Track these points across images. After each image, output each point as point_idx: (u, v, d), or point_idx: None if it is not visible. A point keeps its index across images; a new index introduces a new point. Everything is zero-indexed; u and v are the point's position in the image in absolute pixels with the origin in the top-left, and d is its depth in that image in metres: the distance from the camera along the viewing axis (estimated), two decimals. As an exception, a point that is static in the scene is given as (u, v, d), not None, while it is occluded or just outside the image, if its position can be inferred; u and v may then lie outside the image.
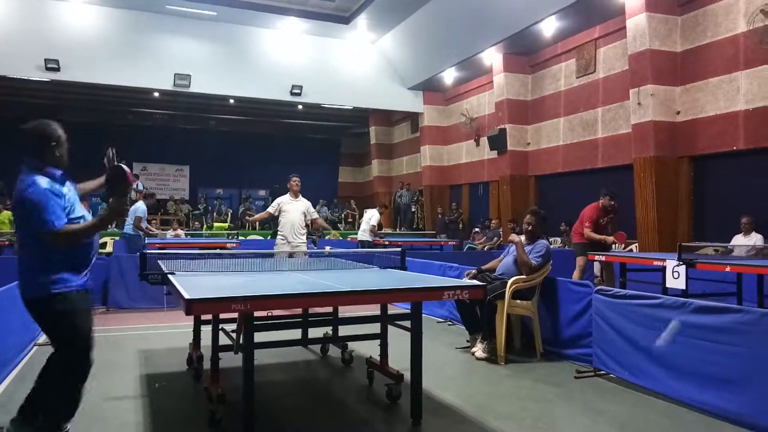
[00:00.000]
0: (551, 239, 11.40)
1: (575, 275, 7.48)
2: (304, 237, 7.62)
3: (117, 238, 12.57)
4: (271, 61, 15.73)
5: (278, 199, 7.73)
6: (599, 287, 4.65)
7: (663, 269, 5.48)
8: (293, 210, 7.54)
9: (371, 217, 11.52)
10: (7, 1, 13.24)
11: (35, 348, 5.14)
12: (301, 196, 7.72)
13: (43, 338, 5.49)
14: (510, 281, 4.95)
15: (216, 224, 17.43)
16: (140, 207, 9.39)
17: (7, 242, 10.73)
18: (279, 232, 7.61)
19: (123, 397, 3.86)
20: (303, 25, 15.26)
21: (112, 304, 7.46)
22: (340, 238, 15.52)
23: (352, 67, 16.53)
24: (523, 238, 5.34)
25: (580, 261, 7.57)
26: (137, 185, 17.32)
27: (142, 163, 20.47)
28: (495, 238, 13.05)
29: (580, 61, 12.38)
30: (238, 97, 16.66)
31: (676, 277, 5.24)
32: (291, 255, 6.68)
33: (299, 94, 15.78)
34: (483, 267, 5.55)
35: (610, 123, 11.60)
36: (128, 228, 9.41)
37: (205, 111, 19.69)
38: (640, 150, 10.02)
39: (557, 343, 5.00)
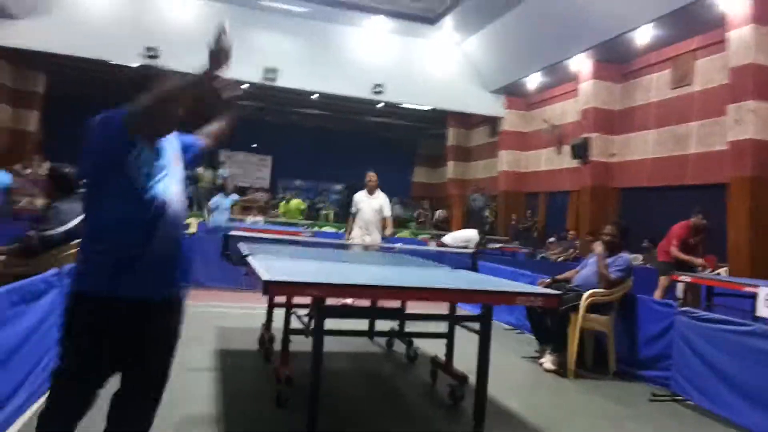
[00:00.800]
0: (632, 255, 10.90)
1: (657, 295, 7.12)
2: (378, 235, 7.31)
3: (201, 219, 13.16)
4: (355, 58, 15.98)
5: (355, 196, 7.61)
6: (684, 308, 4.40)
7: (754, 296, 5.12)
8: (367, 207, 7.35)
9: (470, 239, 10.65)
10: (115, -9, 14.19)
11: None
12: (379, 191, 7.49)
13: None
14: (586, 294, 4.78)
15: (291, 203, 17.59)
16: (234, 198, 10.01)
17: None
18: (357, 228, 7.42)
19: (198, 369, 4.05)
20: (389, 24, 15.39)
21: (193, 281, 7.82)
22: (411, 237, 15.55)
23: (434, 67, 16.50)
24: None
25: (663, 281, 7.20)
26: (223, 172, 18.12)
27: (228, 151, 21.38)
28: (571, 250, 12.63)
29: (675, 72, 11.76)
30: (322, 93, 17.03)
31: (768, 305, 4.88)
32: (364, 248, 6.68)
33: (381, 93, 15.93)
34: (558, 277, 5.40)
35: (704, 139, 10.95)
36: (222, 219, 9.85)
37: (289, 105, 20.28)
38: (737, 169, 9.40)
39: (632, 362, 4.78)
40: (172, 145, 2.17)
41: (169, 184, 2.06)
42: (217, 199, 11.53)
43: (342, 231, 16.40)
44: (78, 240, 3.79)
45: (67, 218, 3.73)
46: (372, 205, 7.35)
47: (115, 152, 1.94)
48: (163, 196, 2.00)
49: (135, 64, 14.66)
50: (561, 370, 4.70)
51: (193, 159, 2.40)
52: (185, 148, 2.32)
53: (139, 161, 1.96)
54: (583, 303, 4.73)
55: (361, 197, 7.48)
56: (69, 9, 13.83)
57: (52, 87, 17.04)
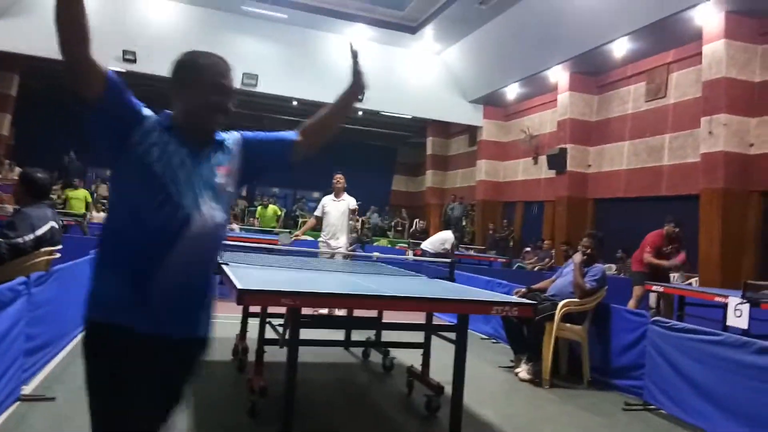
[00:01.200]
0: (606, 265, 11.05)
1: (631, 304, 7.19)
2: (345, 240, 6.95)
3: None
4: (336, 65, 15.93)
5: (323, 200, 7.28)
6: (656, 318, 4.46)
7: (724, 306, 5.21)
8: (333, 210, 7.01)
9: (446, 240, 10.98)
10: (94, -6, 13.99)
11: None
12: (346, 194, 7.13)
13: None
14: (561, 303, 4.82)
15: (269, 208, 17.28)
16: None
17: (74, 222, 11.32)
18: (322, 234, 7.10)
19: (169, 380, 3.96)
20: (370, 32, 15.44)
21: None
22: (389, 246, 15.56)
23: (414, 76, 16.59)
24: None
25: (637, 291, 7.29)
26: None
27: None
28: (546, 259, 12.76)
29: (650, 84, 12.00)
30: (302, 99, 16.99)
31: (738, 315, 4.97)
32: (332, 256, 6.46)
33: (360, 101, 15.88)
34: (533, 286, 5.43)
35: (678, 150, 11.18)
36: None
37: (268, 111, 20.18)
38: (709, 181, 9.60)
39: (606, 372, 4.83)
40: (227, 151, 1.83)
41: (207, 200, 1.67)
42: None
43: (317, 239, 16.39)
44: (48, 248, 3.71)
45: (36, 225, 3.63)
46: (339, 207, 7.02)
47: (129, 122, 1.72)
48: (191, 209, 1.63)
49: (112, 67, 14.49)
50: (536, 380, 4.72)
51: (278, 161, 2.05)
52: (260, 150, 1.97)
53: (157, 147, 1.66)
54: (558, 312, 4.76)
55: (327, 200, 7.16)
56: (43, 10, 13.58)
57: (25, 89, 16.71)
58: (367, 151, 23.03)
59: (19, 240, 3.52)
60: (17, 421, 2.97)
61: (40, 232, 3.63)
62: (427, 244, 11.21)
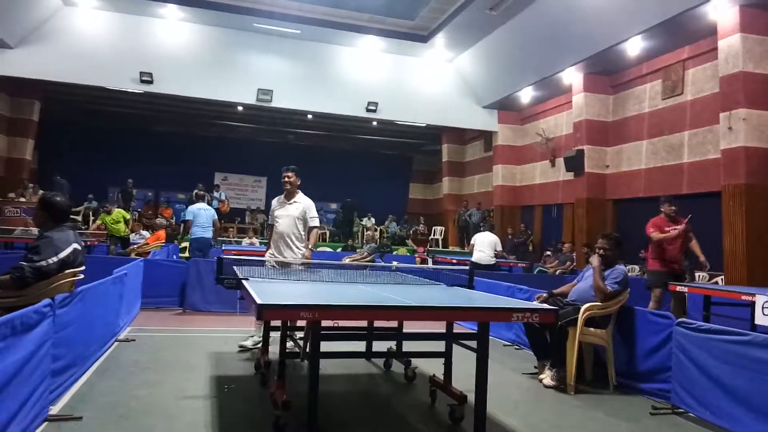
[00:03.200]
0: (629, 267, 10.89)
1: (651, 306, 7.08)
2: (296, 253, 5.60)
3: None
4: (348, 77, 16.09)
5: (272, 203, 5.91)
6: (681, 320, 4.39)
7: (752, 304, 5.11)
8: (282, 215, 5.67)
9: (496, 241, 10.78)
10: (107, 17, 14.29)
11: (116, 343, 5.44)
12: (301, 195, 5.74)
13: (124, 333, 5.81)
14: (583, 308, 4.76)
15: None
16: (213, 210, 9.75)
17: (97, 242, 11.47)
18: (272, 245, 5.73)
19: (194, 397, 4.00)
20: (381, 43, 15.53)
21: (189, 306, 7.78)
22: (408, 254, 15.55)
23: (427, 84, 16.63)
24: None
25: (656, 292, 7.16)
26: (220, 194, 18.18)
27: (223, 173, 21.39)
28: (568, 263, 12.63)
29: (666, 82, 11.87)
30: (316, 113, 17.13)
31: (766, 313, 4.87)
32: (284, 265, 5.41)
33: (374, 111, 16.02)
34: (554, 291, 5.37)
35: (698, 147, 11.02)
36: (210, 232, 9.54)
37: (284, 125, 20.37)
38: (730, 177, 9.44)
39: (632, 375, 4.75)
40: None
41: None
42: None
43: (339, 250, 16.45)
44: (72, 269, 3.78)
45: (60, 248, 3.71)
46: (290, 212, 5.66)
47: None
48: None
49: (130, 89, 14.79)
50: (561, 386, 4.66)
51: None
52: None
53: None
54: (581, 317, 4.71)
55: (276, 204, 5.81)
56: (63, 36, 13.94)
57: (47, 114, 17.11)
58: (382, 160, 23.13)
59: (43, 263, 3.59)
60: (46, 441, 3.02)
61: (63, 254, 3.70)
62: (481, 254, 10.71)
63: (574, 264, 12.41)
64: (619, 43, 11.41)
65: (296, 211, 5.65)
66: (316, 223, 5.67)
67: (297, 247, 5.63)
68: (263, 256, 5.82)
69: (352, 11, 13.97)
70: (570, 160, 13.78)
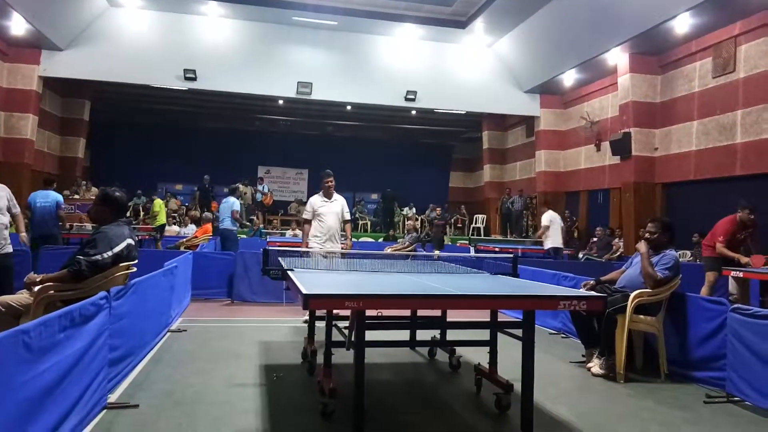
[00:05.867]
0: (680, 252, 10.56)
1: (704, 291, 6.86)
2: (339, 244, 6.64)
3: (243, 235, 13.36)
4: (387, 67, 16.06)
5: (311, 201, 6.76)
6: (736, 305, 4.23)
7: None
8: (327, 212, 6.57)
9: (555, 219, 10.97)
10: (151, 17, 14.66)
11: (168, 333, 5.62)
12: (336, 195, 6.72)
13: (176, 324, 6.00)
14: (633, 294, 4.65)
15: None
16: (231, 200, 10.11)
17: (147, 236, 11.86)
18: (315, 237, 6.52)
19: (244, 384, 4.10)
20: (419, 31, 15.42)
21: (237, 297, 7.97)
22: (450, 243, 15.46)
23: (466, 71, 16.43)
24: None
25: (710, 276, 6.93)
26: (263, 187, 18.52)
27: (266, 167, 21.74)
28: (615, 249, 12.33)
29: (717, 60, 11.37)
30: (355, 104, 17.17)
31: (830, 299, 4.64)
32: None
33: (413, 100, 15.95)
34: (602, 278, 5.26)
35: (752, 127, 10.54)
36: (227, 222, 9.98)
37: (324, 117, 20.52)
38: (788, 156, 9.01)
39: (685, 363, 4.61)
40: None
41: None
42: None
43: (381, 240, 16.51)
44: (126, 263, 3.92)
45: (114, 242, 3.84)
46: (332, 209, 6.61)
47: None
48: None
49: (175, 87, 15.16)
50: (610, 374, 4.57)
51: None
52: None
53: None
54: (630, 304, 4.59)
55: (318, 201, 6.66)
56: (109, 37, 14.38)
57: (96, 113, 17.73)
58: (422, 149, 23.04)
59: (99, 257, 3.74)
60: (105, 428, 3.15)
61: (117, 249, 3.84)
62: (557, 238, 10.79)
63: (622, 250, 12.11)
64: (666, 20, 10.99)
65: (338, 207, 6.63)
66: (349, 216, 6.89)
67: (339, 239, 6.61)
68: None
69: (389, 0, 13.90)
70: (616, 144, 13.41)
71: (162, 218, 12.45)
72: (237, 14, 14.81)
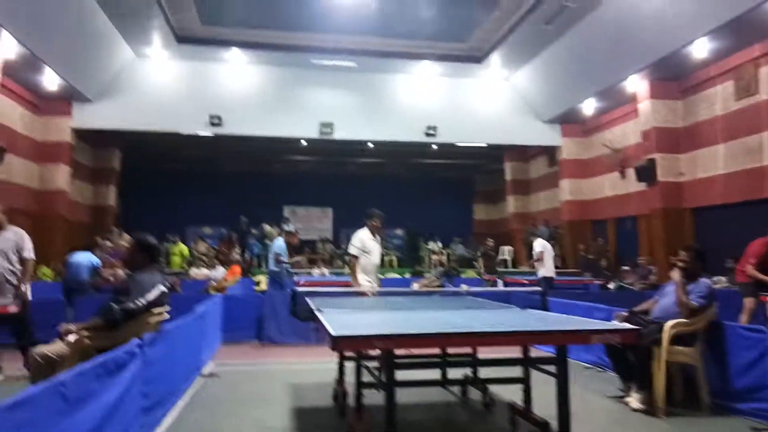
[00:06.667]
0: (714, 278, 10.30)
1: (743, 319, 6.65)
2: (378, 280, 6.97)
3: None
4: (406, 104, 16.27)
5: (360, 237, 6.69)
6: (776, 333, 4.10)
7: None
8: (375, 250, 6.77)
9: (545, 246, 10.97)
10: (177, 66, 15.16)
11: (200, 378, 5.64)
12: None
13: (207, 369, 6.02)
14: (668, 325, 4.53)
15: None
16: (279, 243, 10.11)
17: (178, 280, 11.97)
18: (362, 274, 6.54)
19: (274, 428, 4.08)
20: (436, 67, 15.64)
21: (266, 338, 7.98)
22: (476, 277, 15.31)
23: (485, 104, 16.55)
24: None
25: (748, 303, 6.73)
26: (288, 227, 18.70)
27: (290, 206, 22.00)
28: (651, 277, 12.05)
29: (739, 82, 11.28)
30: (376, 141, 17.37)
31: None
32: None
33: (433, 135, 16.07)
34: (635, 309, 5.15)
35: (780, 147, 10.35)
36: (270, 264, 10.06)
37: (345, 155, 20.78)
38: (821, 176, 8.80)
39: (727, 395, 4.45)
40: None
41: None
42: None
43: (407, 275, 16.44)
44: (158, 309, 3.98)
45: (147, 289, 3.92)
46: (378, 247, 6.85)
47: None
48: None
49: (201, 133, 15.57)
50: (650, 408, 4.43)
51: None
52: None
53: None
54: (666, 335, 4.48)
55: (367, 239, 6.69)
56: (137, 87, 14.89)
57: (125, 161, 18.25)
58: (444, 183, 23.10)
59: (132, 305, 3.81)
60: (141, 476, 3.16)
61: (151, 296, 3.91)
62: (547, 268, 10.74)
63: (655, 278, 11.84)
64: (684, 46, 10.98)
65: (379, 246, 6.93)
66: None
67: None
68: (337, 286, 6.26)
69: (405, 39, 14.18)
70: (641, 170, 13.27)
71: (176, 263, 12.38)
72: (259, 60, 15.25)
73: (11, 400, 2.05)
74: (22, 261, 5.65)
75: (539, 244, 10.82)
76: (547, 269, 10.62)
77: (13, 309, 5.46)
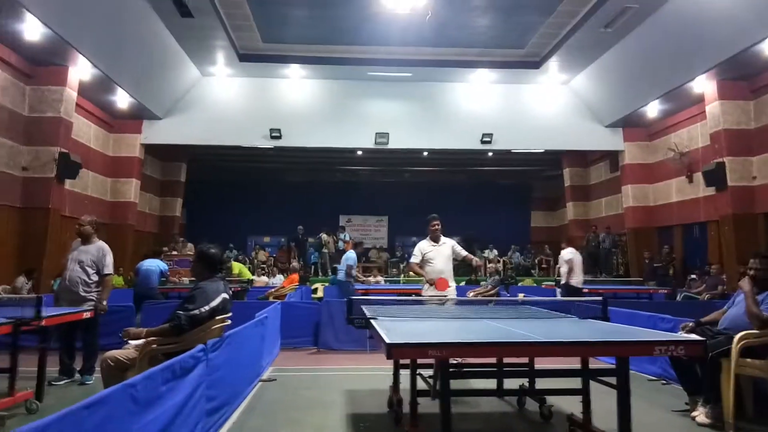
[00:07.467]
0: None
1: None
2: (453, 283, 6.60)
3: (327, 284, 13.72)
4: (461, 112, 16.22)
5: (418, 246, 6.71)
6: None
7: None
8: (437, 256, 6.52)
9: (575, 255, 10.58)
10: (239, 83, 15.73)
11: (260, 383, 5.81)
12: (444, 237, 6.66)
13: (266, 374, 6.20)
14: (737, 336, 4.32)
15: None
16: (351, 255, 10.22)
17: (239, 288, 12.36)
18: (429, 282, 6.44)
19: (332, 434, 4.16)
20: (492, 75, 15.54)
21: (323, 345, 8.12)
22: (534, 285, 15.05)
23: (542, 109, 16.27)
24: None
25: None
26: (344, 236, 18.98)
27: (347, 215, 22.31)
28: (719, 287, 11.46)
29: (816, 79, 10.64)
30: (432, 150, 17.40)
31: None
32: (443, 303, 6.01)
33: (489, 142, 15.94)
34: (702, 319, 4.94)
35: None
36: (341, 275, 10.25)
37: (401, 164, 20.92)
38: None
39: (804, 412, 4.20)
40: None
41: None
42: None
43: (463, 284, 16.28)
44: (221, 316, 4.15)
45: (211, 297, 4.10)
46: (442, 252, 6.57)
47: None
48: None
49: (262, 146, 16.08)
50: (717, 424, 4.23)
51: None
52: None
53: None
54: (735, 347, 4.27)
55: (426, 246, 6.63)
56: (202, 104, 15.55)
57: (190, 173, 19.06)
58: (501, 190, 22.85)
59: (197, 312, 3.99)
60: (205, 476, 3.29)
61: (214, 303, 4.09)
62: (579, 277, 10.33)
63: (725, 287, 11.27)
64: (754, 44, 10.46)
65: (447, 250, 6.58)
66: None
67: (451, 279, 6.51)
68: (392, 294, 6.28)
69: (461, 48, 14.17)
70: (710, 174, 12.69)
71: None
72: (317, 74, 15.60)
73: (87, 400, 2.20)
74: (100, 276, 5.83)
75: (569, 252, 10.52)
76: (576, 279, 10.26)
77: (87, 315, 5.67)
